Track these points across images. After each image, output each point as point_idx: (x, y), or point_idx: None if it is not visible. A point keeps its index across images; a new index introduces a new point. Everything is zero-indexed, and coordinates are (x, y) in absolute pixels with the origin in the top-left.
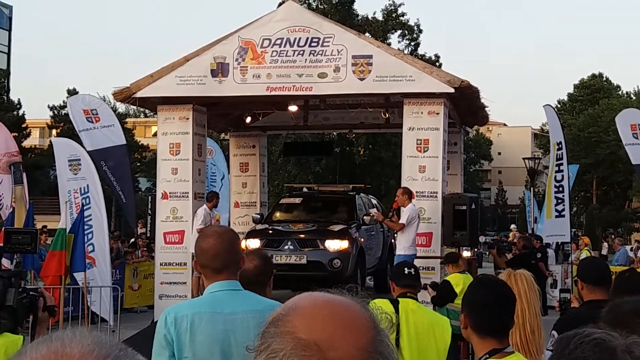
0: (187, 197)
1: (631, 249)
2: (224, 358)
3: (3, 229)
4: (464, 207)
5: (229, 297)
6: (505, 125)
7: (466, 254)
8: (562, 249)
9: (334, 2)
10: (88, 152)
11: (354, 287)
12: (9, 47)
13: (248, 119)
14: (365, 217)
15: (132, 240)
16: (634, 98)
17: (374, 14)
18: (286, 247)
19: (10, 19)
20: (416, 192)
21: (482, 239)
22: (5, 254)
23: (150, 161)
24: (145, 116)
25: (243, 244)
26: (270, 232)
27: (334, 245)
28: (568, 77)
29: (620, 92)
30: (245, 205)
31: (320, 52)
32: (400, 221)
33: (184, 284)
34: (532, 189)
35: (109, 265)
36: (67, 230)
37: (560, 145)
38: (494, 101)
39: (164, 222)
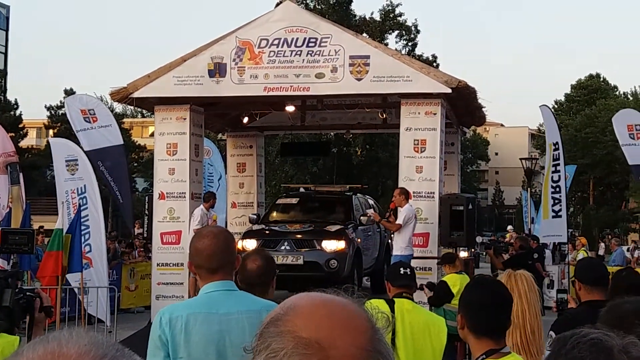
0: (184, 197)
1: (628, 250)
2: (219, 358)
3: (0, 230)
4: (461, 208)
5: (224, 298)
6: (502, 125)
7: (463, 254)
8: (558, 250)
9: (331, 3)
10: (85, 152)
11: (350, 287)
12: (6, 47)
13: (245, 119)
14: (362, 218)
15: (129, 240)
16: (631, 99)
17: (372, 14)
18: (283, 247)
19: (7, 18)
20: (413, 192)
21: (479, 239)
22: (1, 254)
23: (147, 161)
24: (143, 116)
25: (240, 244)
26: (267, 232)
27: (331, 245)
28: (565, 78)
29: (617, 93)
30: (242, 205)
31: (318, 53)
32: (397, 222)
33: (181, 285)
34: (529, 189)
35: (106, 266)
36: (65, 231)
37: (556, 146)
38: (491, 101)
39: (161, 222)
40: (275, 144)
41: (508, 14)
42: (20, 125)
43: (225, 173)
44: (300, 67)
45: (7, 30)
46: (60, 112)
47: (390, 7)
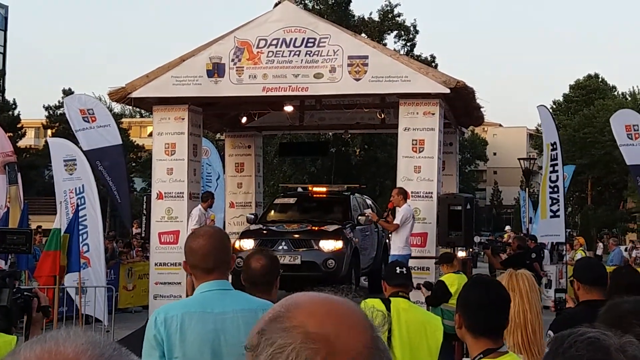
0: (182, 197)
1: (626, 249)
2: (215, 358)
3: None
4: (459, 208)
5: (219, 297)
6: (500, 125)
7: (461, 254)
8: (556, 249)
9: (330, 3)
10: (84, 151)
11: (345, 287)
12: (4, 46)
13: (244, 119)
14: (359, 218)
15: (127, 240)
16: (629, 99)
17: (370, 14)
18: (280, 247)
19: (5, 19)
20: (411, 192)
21: (477, 239)
22: None
23: (146, 161)
24: (141, 116)
25: (237, 244)
26: (265, 232)
27: (328, 245)
28: (564, 78)
29: (615, 93)
30: (240, 205)
31: (316, 53)
32: (395, 221)
33: (178, 284)
34: (527, 189)
35: (104, 266)
36: (63, 231)
37: (554, 146)
38: (490, 102)
39: (159, 222)
40: (274, 144)
41: (506, 14)
42: (19, 125)
43: (224, 173)
44: (299, 67)
45: (5, 30)
46: (59, 112)
47: (388, 8)
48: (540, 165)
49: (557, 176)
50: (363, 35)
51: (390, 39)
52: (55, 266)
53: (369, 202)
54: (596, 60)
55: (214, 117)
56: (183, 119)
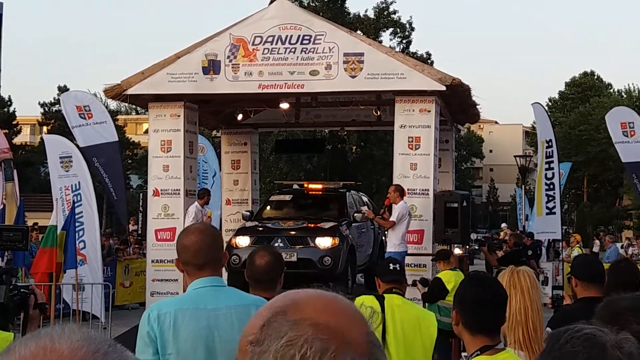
0: (179, 194)
1: (622, 247)
2: (208, 354)
3: None
4: (456, 205)
5: (212, 293)
6: (496, 123)
7: (457, 251)
8: (553, 247)
9: (325, 0)
10: (80, 148)
11: (334, 284)
12: None
13: (240, 117)
14: (355, 215)
15: (124, 237)
16: (624, 96)
17: (366, 11)
18: (276, 244)
19: (0, 15)
20: (408, 189)
21: (473, 236)
22: None
23: (142, 158)
24: (137, 113)
25: (233, 241)
26: (260, 229)
27: (325, 242)
28: (559, 75)
29: (611, 91)
30: (236, 202)
31: (312, 50)
32: (391, 219)
33: (175, 281)
34: (523, 186)
35: (100, 263)
36: (59, 228)
37: (550, 143)
38: (486, 99)
39: (156, 219)
40: (270, 141)
41: (502, 12)
42: (14, 122)
43: (220, 170)
44: (295, 65)
45: (0, 27)
46: (54, 108)
47: (384, 5)
48: (536, 162)
49: (553, 173)
50: (359, 32)
51: (385, 36)
52: (52, 263)
53: (365, 199)
54: (592, 58)
55: (209, 114)
56: (179, 116)
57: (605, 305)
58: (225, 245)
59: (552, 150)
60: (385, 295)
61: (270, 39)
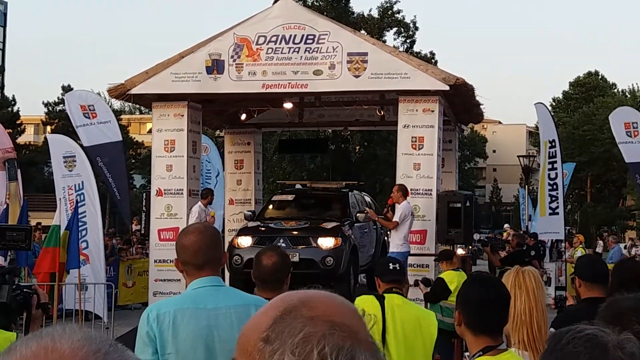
0: (182, 194)
1: (625, 247)
2: (208, 353)
3: None
4: (459, 205)
5: (211, 293)
6: (500, 123)
7: (460, 251)
8: (556, 247)
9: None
10: (84, 148)
11: (330, 286)
12: (3, 43)
13: (243, 116)
14: (358, 215)
15: (127, 237)
16: (629, 96)
17: (370, 11)
18: (278, 244)
19: (5, 15)
20: (411, 189)
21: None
22: None
23: (145, 158)
24: (140, 113)
25: (235, 241)
26: (262, 229)
27: (327, 242)
28: (564, 75)
29: (615, 91)
30: (240, 202)
31: (316, 50)
32: (394, 219)
33: (178, 281)
34: (526, 186)
35: (103, 262)
36: (63, 227)
37: (553, 143)
38: (489, 99)
39: (159, 219)
40: (273, 141)
41: (506, 12)
42: (18, 122)
43: (223, 170)
44: (298, 64)
45: (4, 27)
46: (58, 108)
47: (388, 4)
48: (540, 162)
49: (556, 174)
50: (362, 32)
51: (389, 36)
52: (55, 263)
53: (367, 199)
54: (596, 58)
55: (213, 114)
56: (182, 115)
57: (608, 306)
58: (227, 245)
59: (556, 151)
60: (385, 295)
61: (274, 39)
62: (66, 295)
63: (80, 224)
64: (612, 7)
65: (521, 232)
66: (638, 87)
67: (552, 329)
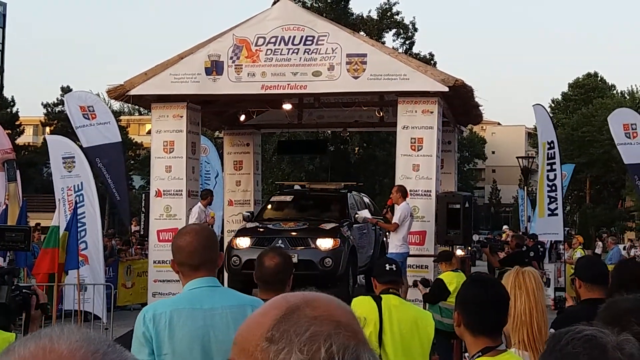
0: (181, 195)
1: (624, 248)
2: (204, 354)
3: None
4: (458, 206)
5: (208, 294)
6: (499, 124)
7: (459, 252)
8: (555, 248)
9: (328, 1)
10: (84, 148)
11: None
12: (2, 44)
13: (242, 117)
14: (357, 216)
15: (126, 238)
16: (627, 98)
17: (369, 12)
18: (277, 245)
19: (4, 16)
20: (410, 190)
21: (475, 237)
22: None
23: (144, 159)
24: (140, 114)
25: (233, 242)
26: (261, 230)
27: (326, 243)
28: (563, 77)
29: (614, 92)
30: (239, 203)
31: (315, 51)
32: (393, 220)
33: (177, 282)
34: (525, 187)
35: (102, 263)
36: (62, 228)
37: (551, 145)
38: (488, 100)
39: (158, 220)
40: (272, 142)
41: (506, 13)
42: (17, 123)
43: (222, 171)
44: (298, 65)
45: (4, 28)
46: (57, 109)
47: (387, 6)
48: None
49: (555, 175)
50: (362, 33)
51: (389, 37)
52: (54, 264)
53: (366, 200)
54: (595, 59)
55: (212, 115)
56: (181, 116)
57: (607, 307)
58: (225, 246)
59: (554, 152)
60: (382, 295)
61: (273, 40)
62: (65, 296)
63: (79, 224)
64: (612, 9)
65: (520, 233)
66: (637, 88)
67: (552, 330)
